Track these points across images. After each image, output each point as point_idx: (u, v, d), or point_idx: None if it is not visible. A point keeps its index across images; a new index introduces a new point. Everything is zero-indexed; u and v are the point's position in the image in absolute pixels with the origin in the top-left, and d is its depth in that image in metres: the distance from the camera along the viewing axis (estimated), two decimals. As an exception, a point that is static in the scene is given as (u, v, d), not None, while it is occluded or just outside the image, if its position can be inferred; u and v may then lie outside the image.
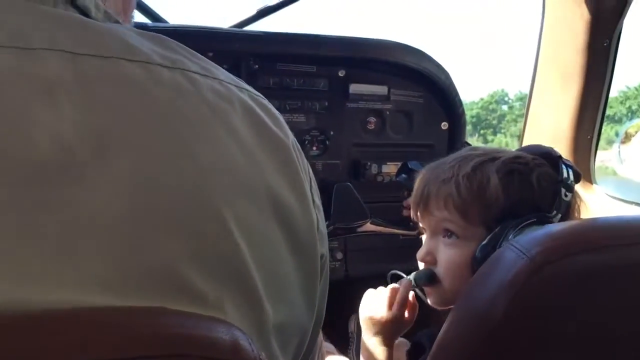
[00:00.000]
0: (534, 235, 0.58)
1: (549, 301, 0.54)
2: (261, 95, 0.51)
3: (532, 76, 1.51)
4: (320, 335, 0.66)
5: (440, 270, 0.92)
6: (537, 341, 0.54)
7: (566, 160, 0.89)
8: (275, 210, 0.46)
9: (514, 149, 0.98)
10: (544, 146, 0.94)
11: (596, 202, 1.38)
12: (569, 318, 0.54)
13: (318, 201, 0.54)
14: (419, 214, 0.95)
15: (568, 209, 0.86)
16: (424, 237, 0.98)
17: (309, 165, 0.54)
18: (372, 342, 1.04)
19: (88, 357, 0.28)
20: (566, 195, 0.84)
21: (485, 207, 0.86)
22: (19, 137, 0.35)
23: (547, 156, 0.90)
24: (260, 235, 0.44)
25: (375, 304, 1.05)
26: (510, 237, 0.81)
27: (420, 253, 0.96)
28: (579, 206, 0.90)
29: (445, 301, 0.95)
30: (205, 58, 0.49)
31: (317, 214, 0.52)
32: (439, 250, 0.92)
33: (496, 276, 0.56)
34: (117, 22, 0.49)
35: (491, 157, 0.89)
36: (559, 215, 0.83)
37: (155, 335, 0.31)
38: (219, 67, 0.49)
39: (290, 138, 0.51)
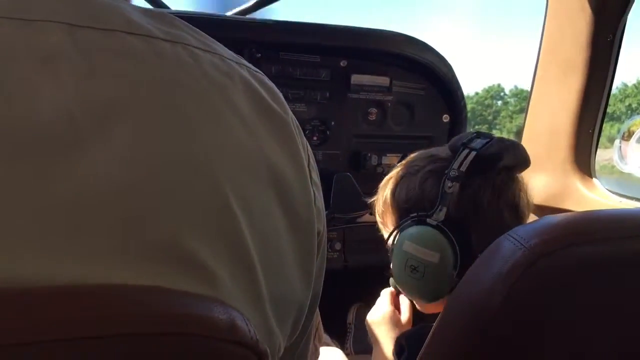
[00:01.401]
0: (533, 226, 0.58)
1: (546, 292, 0.54)
2: (260, 72, 0.52)
3: (534, 69, 1.51)
4: (318, 317, 0.66)
5: None
6: (533, 332, 0.54)
7: (479, 147, 0.85)
8: (275, 185, 0.46)
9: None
10: (463, 135, 0.92)
11: (596, 197, 1.38)
12: (566, 309, 0.54)
13: (316, 178, 0.54)
14: None
15: (473, 199, 0.84)
16: None
17: (307, 143, 0.54)
18: (385, 339, 1.05)
19: (78, 333, 0.28)
20: (449, 187, 0.83)
21: (391, 214, 0.95)
22: (21, 107, 0.35)
23: (452, 147, 0.90)
24: (259, 210, 0.44)
25: (377, 307, 1.10)
26: (395, 242, 0.87)
27: None
28: (519, 191, 0.88)
29: (420, 306, 0.97)
30: (206, 34, 0.49)
31: (315, 191, 0.52)
32: None
33: (493, 266, 0.56)
34: None
35: (408, 166, 0.94)
36: (444, 209, 0.82)
37: (150, 313, 0.31)
38: (219, 43, 0.49)
39: (290, 115, 0.51)
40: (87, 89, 0.38)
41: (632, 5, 1.25)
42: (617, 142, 1.22)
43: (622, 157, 1.22)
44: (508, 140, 0.90)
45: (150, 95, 0.40)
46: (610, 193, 1.39)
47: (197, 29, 0.49)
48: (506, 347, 0.55)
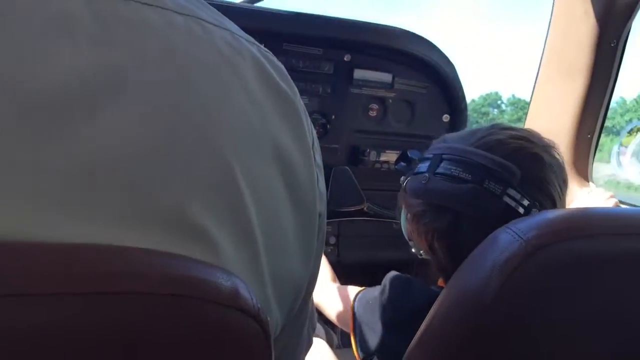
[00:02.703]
0: (531, 220, 0.58)
1: (541, 285, 0.54)
2: (269, 52, 0.52)
3: (537, 72, 1.52)
4: (313, 305, 0.66)
5: None
6: (527, 324, 0.54)
7: None
8: (280, 163, 0.46)
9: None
10: None
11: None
12: (560, 302, 0.54)
13: (319, 161, 0.54)
14: None
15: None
16: None
17: (313, 126, 0.54)
18: None
19: (78, 288, 0.29)
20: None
21: None
22: (36, 68, 0.35)
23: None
24: (263, 185, 0.44)
25: None
26: None
27: None
28: None
29: None
30: (216, 10, 0.49)
31: (318, 173, 0.52)
32: None
33: (489, 257, 0.56)
34: None
35: None
36: None
37: (152, 273, 0.31)
38: (228, 19, 0.49)
39: (298, 96, 0.52)
40: (101, 55, 0.38)
41: (637, 11, 1.25)
42: (615, 148, 1.23)
43: (620, 163, 1.23)
44: None
45: (163, 66, 0.41)
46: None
47: (207, 4, 0.49)
48: (500, 338, 0.55)
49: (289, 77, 0.52)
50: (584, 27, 1.34)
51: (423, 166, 0.86)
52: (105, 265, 0.30)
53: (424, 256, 0.92)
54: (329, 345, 1.33)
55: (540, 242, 0.54)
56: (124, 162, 0.36)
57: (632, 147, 1.21)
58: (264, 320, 0.35)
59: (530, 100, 1.58)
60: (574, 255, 0.55)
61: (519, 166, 0.78)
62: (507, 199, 0.77)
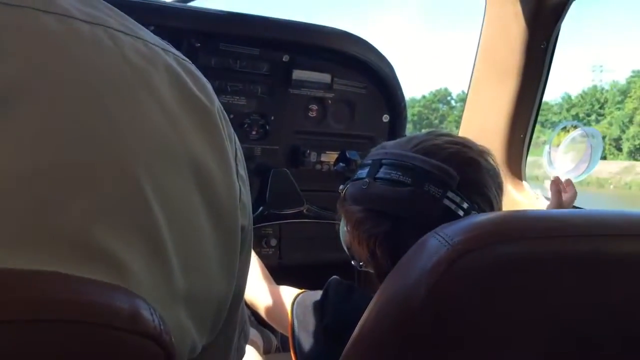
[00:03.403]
0: (458, 225, 0.58)
1: (468, 289, 0.54)
2: (188, 60, 0.50)
3: (471, 72, 1.54)
4: (245, 313, 0.65)
5: None
6: (453, 329, 0.54)
7: None
8: (196, 178, 0.44)
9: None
10: None
11: (525, 200, 1.42)
12: (486, 306, 0.55)
13: (243, 172, 0.52)
14: None
15: None
16: None
17: (235, 135, 0.53)
18: None
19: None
20: None
21: None
22: None
23: None
24: (178, 203, 0.42)
25: None
26: None
27: None
28: None
29: None
30: (129, 17, 0.46)
31: (241, 185, 0.51)
32: None
33: (418, 263, 0.56)
34: None
35: None
36: None
37: (46, 299, 0.29)
38: (144, 28, 0.47)
39: (216, 104, 0.50)
40: None
41: (566, 14, 1.29)
42: (546, 147, 1.27)
43: (550, 162, 1.26)
44: None
45: (61, 79, 0.38)
46: (540, 196, 1.43)
47: (122, 13, 0.47)
48: (428, 342, 0.55)
49: (207, 85, 0.50)
50: (515, 29, 1.37)
51: (362, 172, 0.86)
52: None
53: (364, 268, 0.92)
54: (267, 348, 1.31)
55: (467, 247, 0.54)
56: (16, 183, 0.34)
57: (562, 147, 1.25)
58: (167, 342, 0.33)
59: (466, 101, 1.61)
60: (500, 259, 0.55)
61: (457, 170, 0.79)
62: (447, 202, 0.78)
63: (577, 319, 0.58)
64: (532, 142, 1.47)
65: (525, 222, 0.62)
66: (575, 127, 1.24)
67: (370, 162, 0.85)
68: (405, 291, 0.55)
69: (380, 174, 0.82)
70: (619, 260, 0.60)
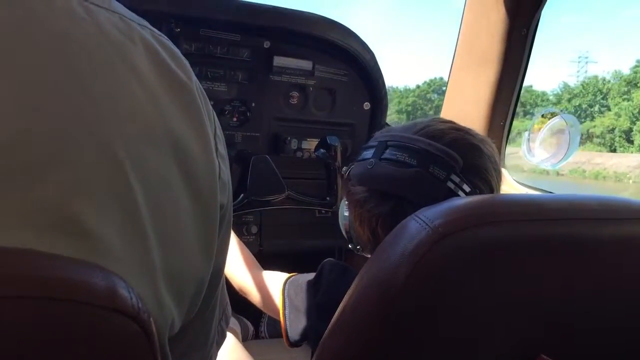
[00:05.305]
0: (438, 208, 0.58)
1: (448, 272, 0.55)
2: (164, 36, 0.49)
3: (452, 60, 1.55)
4: (226, 296, 0.64)
5: None
6: (434, 311, 0.54)
7: None
8: (176, 154, 0.44)
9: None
10: None
11: (504, 187, 1.43)
12: (466, 289, 0.55)
13: (222, 150, 0.52)
14: None
15: None
16: None
17: (214, 113, 0.52)
18: None
19: None
20: None
21: None
22: None
23: None
24: (157, 178, 0.42)
25: None
26: None
27: None
28: None
29: None
30: None
31: (220, 162, 0.50)
32: None
33: (399, 246, 0.56)
34: None
35: None
36: None
37: (19, 275, 0.28)
38: (120, 4, 0.46)
39: (194, 81, 0.49)
40: None
41: (546, 2, 1.30)
42: (525, 135, 1.28)
43: (529, 150, 1.27)
44: None
45: (35, 47, 0.37)
46: (518, 184, 1.45)
47: None
48: (409, 326, 0.55)
49: (185, 62, 0.49)
50: (495, 16, 1.37)
51: (368, 153, 0.87)
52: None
53: (362, 252, 0.92)
54: (244, 335, 1.31)
55: (446, 230, 0.54)
56: None
57: (540, 135, 1.26)
58: (145, 320, 0.33)
59: (446, 88, 1.61)
60: (479, 242, 0.55)
61: (460, 155, 0.81)
62: (450, 184, 0.80)
63: (554, 301, 0.59)
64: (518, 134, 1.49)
65: (505, 205, 0.62)
66: (554, 114, 1.25)
67: (376, 143, 0.87)
68: (387, 273, 0.55)
69: (386, 155, 0.84)
70: (597, 243, 0.60)
